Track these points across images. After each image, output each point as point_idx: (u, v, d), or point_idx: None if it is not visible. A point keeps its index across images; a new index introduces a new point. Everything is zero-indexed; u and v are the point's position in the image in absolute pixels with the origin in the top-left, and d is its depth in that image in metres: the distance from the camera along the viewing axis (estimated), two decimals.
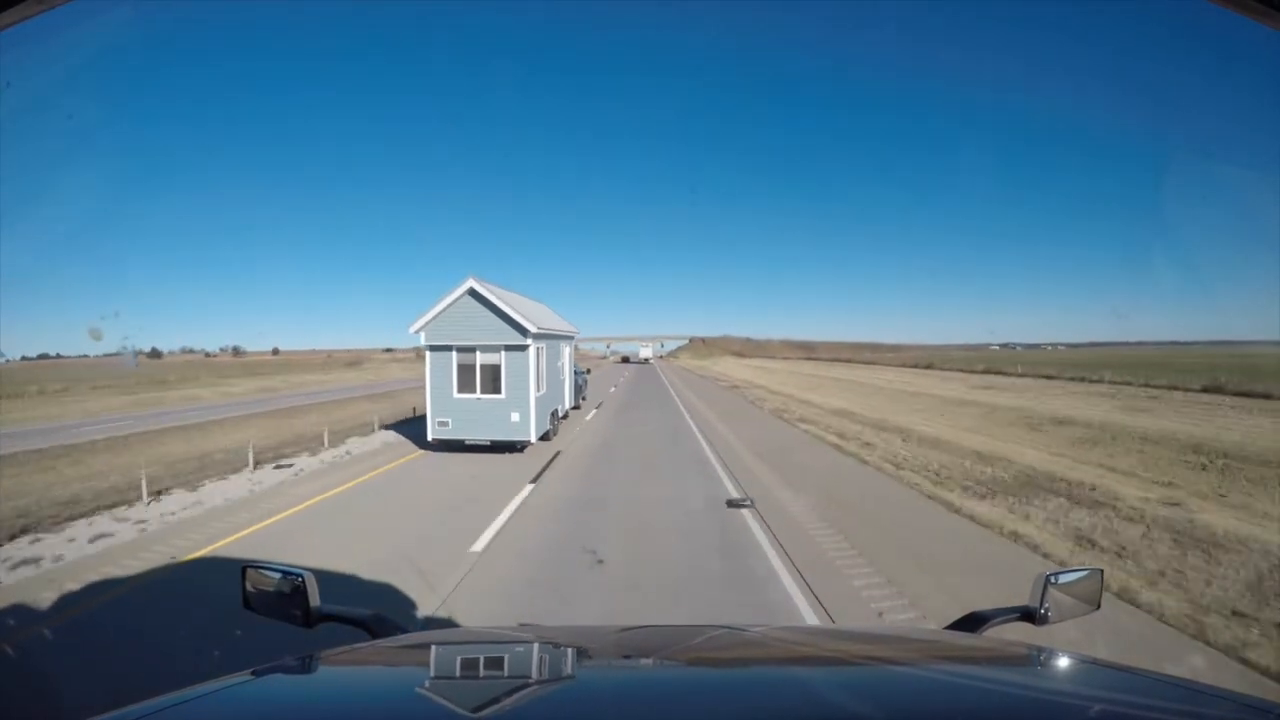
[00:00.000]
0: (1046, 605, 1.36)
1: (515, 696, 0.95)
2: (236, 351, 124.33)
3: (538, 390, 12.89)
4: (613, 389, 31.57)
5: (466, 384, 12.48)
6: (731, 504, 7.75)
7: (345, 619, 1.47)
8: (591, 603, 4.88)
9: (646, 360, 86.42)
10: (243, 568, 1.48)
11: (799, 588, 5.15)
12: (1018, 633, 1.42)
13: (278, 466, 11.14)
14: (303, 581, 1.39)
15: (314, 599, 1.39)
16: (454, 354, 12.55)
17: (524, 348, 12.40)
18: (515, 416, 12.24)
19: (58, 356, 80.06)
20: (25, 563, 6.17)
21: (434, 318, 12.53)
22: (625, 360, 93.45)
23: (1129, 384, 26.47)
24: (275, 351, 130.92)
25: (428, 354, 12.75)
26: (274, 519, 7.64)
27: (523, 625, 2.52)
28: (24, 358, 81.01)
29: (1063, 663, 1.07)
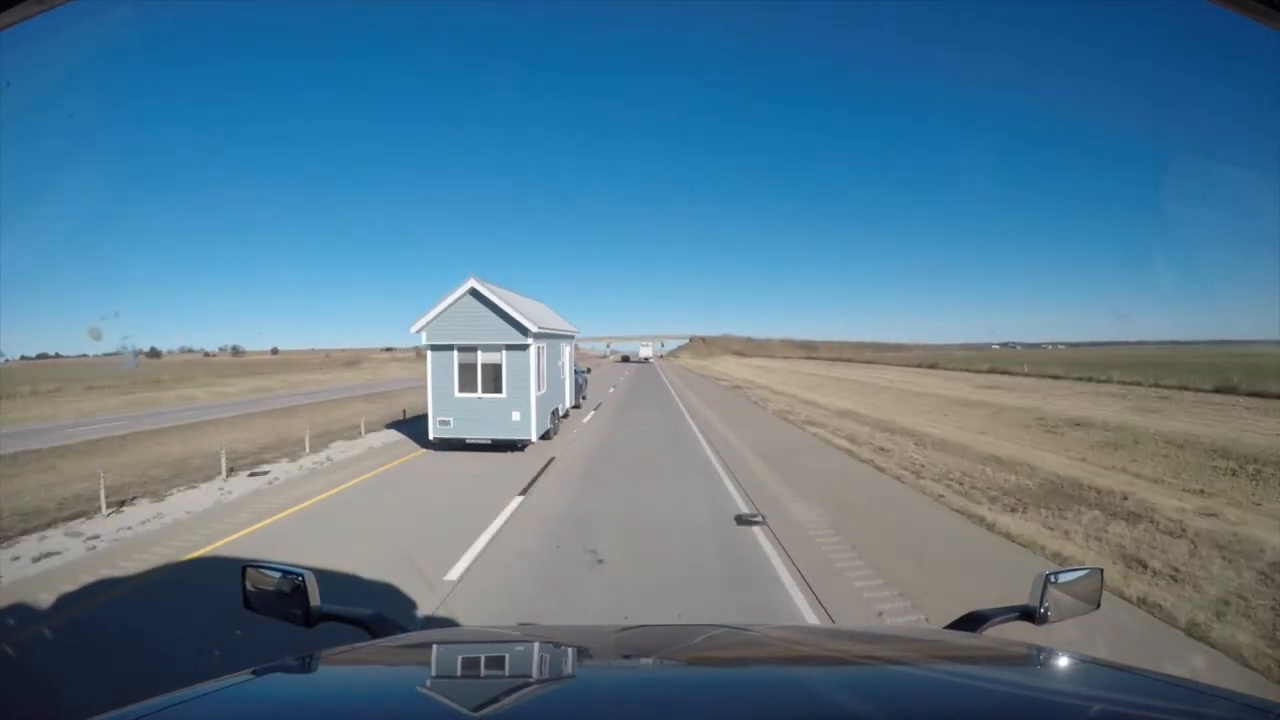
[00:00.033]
0: (1046, 605, 1.36)
1: (515, 696, 0.94)
2: (236, 351, 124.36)
3: (539, 389, 12.85)
4: (612, 389, 31.13)
5: (468, 383, 12.50)
6: (741, 520, 7.14)
7: (345, 619, 1.47)
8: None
9: (646, 360, 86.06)
10: (243, 567, 1.48)
11: None
12: (1018, 632, 1.39)
13: (252, 474, 10.68)
14: (303, 581, 1.39)
15: (314, 598, 1.39)
16: (455, 353, 12.53)
17: (525, 347, 12.36)
18: (516, 415, 12.26)
19: (57, 356, 79.94)
20: None
21: (435, 317, 12.51)
22: (625, 360, 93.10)
23: (1138, 384, 26.03)
24: (274, 351, 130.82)
25: (429, 354, 12.72)
26: (230, 538, 6.99)
27: (522, 625, 2.44)
28: (24, 357, 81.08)
29: (1063, 662, 1.06)
